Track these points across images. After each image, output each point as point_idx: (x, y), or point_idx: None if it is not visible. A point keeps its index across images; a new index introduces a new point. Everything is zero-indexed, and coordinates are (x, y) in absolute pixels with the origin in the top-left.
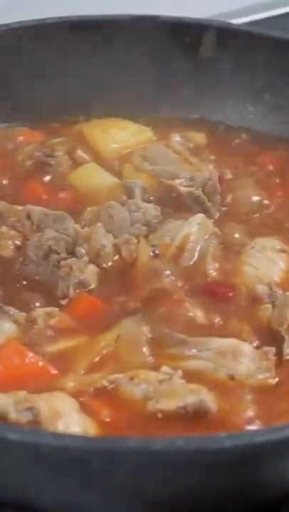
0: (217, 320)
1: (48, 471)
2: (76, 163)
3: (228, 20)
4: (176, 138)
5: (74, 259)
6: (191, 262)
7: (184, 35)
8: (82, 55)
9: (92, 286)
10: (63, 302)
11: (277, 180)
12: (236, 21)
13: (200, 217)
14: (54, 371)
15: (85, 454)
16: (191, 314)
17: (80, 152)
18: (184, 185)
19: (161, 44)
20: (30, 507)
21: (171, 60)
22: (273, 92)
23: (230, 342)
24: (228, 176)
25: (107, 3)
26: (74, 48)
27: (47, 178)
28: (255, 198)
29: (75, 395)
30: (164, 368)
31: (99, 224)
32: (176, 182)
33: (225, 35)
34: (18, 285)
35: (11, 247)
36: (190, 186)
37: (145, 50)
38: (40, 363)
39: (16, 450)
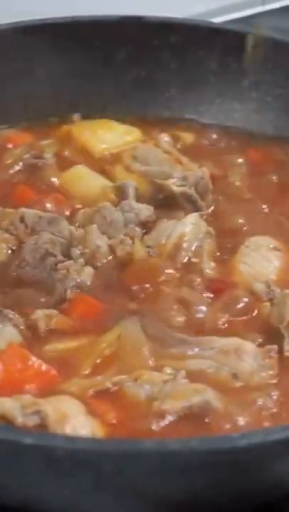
0: (216, 319)
1: (60, 475)
2: (66, 165)
3: (209, 19)
4: (165, 138)
5: (71, 261)
6: (187, 262)
7: (169, 35)
8: (67, 56)
9: (89, 288)
10: (61, 304)
11: (267, 178)
12: (216, 20)
13: (194, 216)
14: (57, 374)
15: (99, 457)
16: (189, 314)
17: (69, 154)
18: (176, 185)
19: (147, 44)
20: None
21: (157, 61)
22: (260, 91)
23: (233, 341)
24: (218, 174)
25: (90, 3)
26: (59, 49)
27: (37, 180)
28: (246, 196)
29: (80, 397)
30: (167, 368)
31: (94, 225)
32: (170, 182)
33: (211, 33)
34: (14, 288)
35: (4, 251)
36: (183, 186)
37: (130, 50)
38: (43, 366)
39: (30, 454)
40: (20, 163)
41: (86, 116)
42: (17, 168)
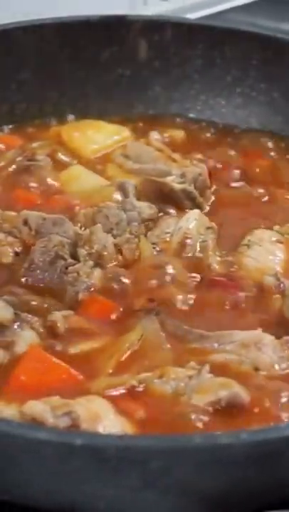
0: (229, 313)
1: (109, 474)
2: (59, 166)
3: (183, 15)
4: (155, 135)
5: (81, 264)
6: (193, 258)
7: (152, 33)
8: (51, 57)
9: (100, 289)
10: (74, 307)
11: (257, 171)
12: (191, 16)
13: (196, 212)
14: (80, 375)
15: (149, 454)
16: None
17: (61, 155)
18: (176, 182)
19: (130, 43)
20: None
21: (141, 59)
22: (245, 86)
23: (253, 333)
24: (210, 169)
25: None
26: (43, 51)
27: (32, 182)
28: (242, 190)
29: (107, 396)
30: (192, 364)
31: (98, 225)
32: (169, 179)
33: (194, 30)
34: (25, 291)
35: (11, 254)
36: (182, 183)
37: (114, 49)
38: (66, 368)
39: (81, 455)
40: (14, 166)
41: (72, 117)
42: (11, 170)
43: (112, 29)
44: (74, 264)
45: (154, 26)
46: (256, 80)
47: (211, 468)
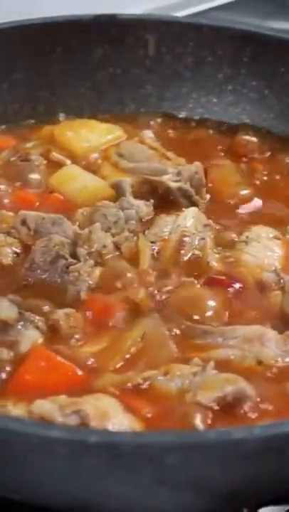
0: (231, 309)
1: (122, 471)
2: (54, 166)
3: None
4: (148, 134)
5: (81, 263)
6: (192, 256)
7: (143, 32)
8: (43, 57)
9: (100, 287)
10: (76, 306)
11: (250, 167)
12: (178, 14)
13: (193, 210)
14: (84, 373)
15: (163, 450)
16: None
17: (55, 154)
18: (172, 181)
19: (121, 42)
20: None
21: (132, 58)
22: (236, 83)
23: (255, 329)
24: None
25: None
26: (35, 51)
27: (28, 182)
28: (236, 187)
29: (112, 394)
30: (196, 360)
31: (98, 224)
32: (165, 178)
33: (185, 29)
34: (26, 291)
35: (10, 254)
36: (178, 181)
37: (105, 49)
38: (70, 366)
39: (95, 453)
40: (9, 166)
41: (64, 117)
42: (5, 171)
43: (104, 28)
44: (75, 264)
45: (145, 25)
46: (247, 78)
47: (224, 463)
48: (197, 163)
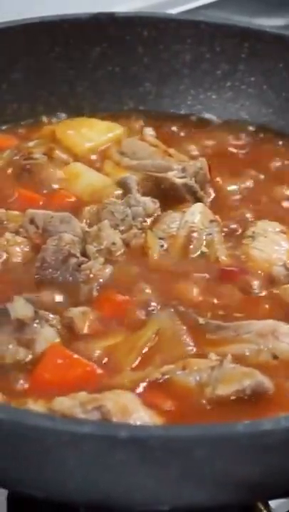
0: (239, 304)
1: (151, 465)
2: (57, 164)
3: (164, 10)
4: (149, 131)
5: (92, 261)
6: (201, 251)
7: (141, 29)
8: (41, 56)
9: (112, 285)
10: (89, 304)
11: (250, 163)
12: (172, 11)
13: (199, 206)
14: (101, 370)
15: (193, 443)
16: (216, 301)
17: (59, 153)
18: (177, 177)
19: (119, 40)
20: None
21: (130, 56)
22: (234, 79)
23: (269, 323)
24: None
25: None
26: (33, 50)
27: (33, 181)
28: (239, 184)
29: (132, 390)
30: (212, 355)
31: (106, 221)
32: (170, 174)
33: (182, 26)
34: (38, 290)
35: (19, 253)
36: (183, 177)
37: (103, 47)
38: (87, 363)
39: (124, 447)
40: (12, 166)
41: (64, 116)
42: (10, 170)
43: (102, 26)
44: (86, 262)
45: (143, 23)
46: (246, 74)
47: (251, 455)
48: (202, 159)
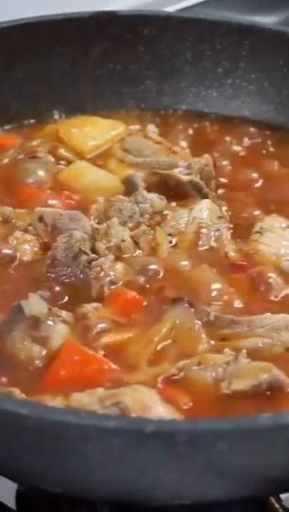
0: (251, 299)
1: (175, 459)
2: (62, 163)
3: (161, 8)
4: (152, 129)
5: (103, 258)
6: (210, 247)
7: (142, 28)
8: (42, 55)
9: (123, 281)
10: (101, 301)
11: (253, 160)
12: (169, 9)
13: (207, 202)
14: (117, 366)
15: (218, 436)
16: (226, 297)
17: (63, 152)
18: (183, 174)
19: (120, 38)
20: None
21: (131, 54)
22: (235, 76)
23: (282, 317)
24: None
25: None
26: (34, 49)
27: (38, 179)
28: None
29: (149, 385)
30: (227, 350)
31: (115, 218)
32: (175, 171)
33: (183, 24)
34: (50, 287)
35: (28, 251)
36: (188, 174)
37: (104, 45)
38: (102, 360)
39: (150, 442)
40: (17, 165)
41: (66, 114)
42: (14, 169)
43: (102, 25)
44: (97, 259)
45: (143, 21)
46: (246, 71)
47: (273, 448)
48: (206, 156)
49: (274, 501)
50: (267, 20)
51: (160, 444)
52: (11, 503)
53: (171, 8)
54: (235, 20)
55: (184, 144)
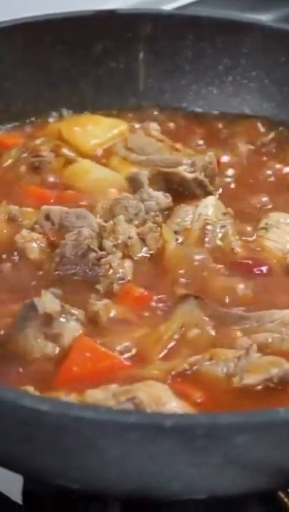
0: (260, 294)
1: (194, 453)
2: (65, 161)
3: (158, 6)
4: (154, 127)
5: (112, 255)
6: (216, 243)
7: (142, 26)
8: (43, 54)
9: (130, 279)
10: (109, 298)
11: (255, 156)
12: (166, 7)
13: (212, 198)
14: (129, 362)
15: (237, 430)
16: (236, 291)
17: (66, 150)
18: (187, 172)
19: (121, 37)
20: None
21: (132, 52)
22: (236, 74)
23: None
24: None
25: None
26: (35, 48)
27: (42, 178)
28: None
29: (161, 381)
30: (238, 345)
31: (121, 216)
32: (180, 169)
33: (184, 22)
34: (60, 285)
35: (36, 249)
36: (193, 172)
37: (105, 43)
38: (114, 356)
39: (169, 436)
40: (21, 164)
41: (68, 113)
42: (18, 168)
43: (103, 23)
44: (105, 256)
45: (144, 19)
46: (247, 68)
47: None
48: (210, 153)
49: (283, 495)
50: (263, 18)
51: (179, 438)
52: (18, 498)
53: (168, 7)
54: (236, 17)
55: (187, 141)
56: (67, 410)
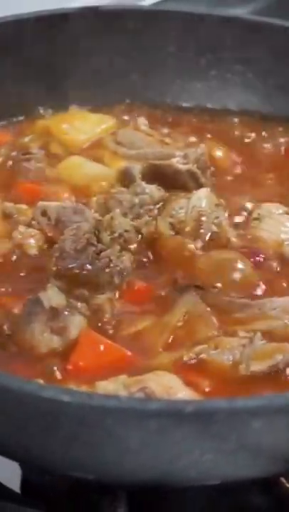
0: (259, 282)
1: (211, 440)
2: (55, 157)
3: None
4: (143, 121)
5: (111, 249)
6: (211, 234)
7: (125, 22)
8: (28, 51)
9: (130, 271)
10: (110, 291)
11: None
12: (142, 3)
13: (204, 190)
14: (134, 354)
15: (253, 414)
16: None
17: (55, 147)
18: (180, 164)
19: (104, 33)
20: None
21: (116, 48)
22: (220, 68)
23: None
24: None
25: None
26: (20, 45)
27: (33, 175)
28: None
29: (169, 371)
30: (241, 333)
31: (117, 210)
32: (173, 161)
33: (166, 17)
34: (60, 279)
35: (34, 245)
36: (186, 164)
37: (89, 40)
38: (120, 348)
39: (189, 422)
40: (11, 161)
41: (53, 110)
42: (8, 166)
43: (87, 20)
44: (105, 250)
45: (126, 15)
46: (231, 62)
47: None
48: (202, 146)
49: (285, 481)
50: (241, 12)
51: (198, 424)
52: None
53: (144, 3)
54: (217, 12)
55: (174, 135)
56: (88, 400)
